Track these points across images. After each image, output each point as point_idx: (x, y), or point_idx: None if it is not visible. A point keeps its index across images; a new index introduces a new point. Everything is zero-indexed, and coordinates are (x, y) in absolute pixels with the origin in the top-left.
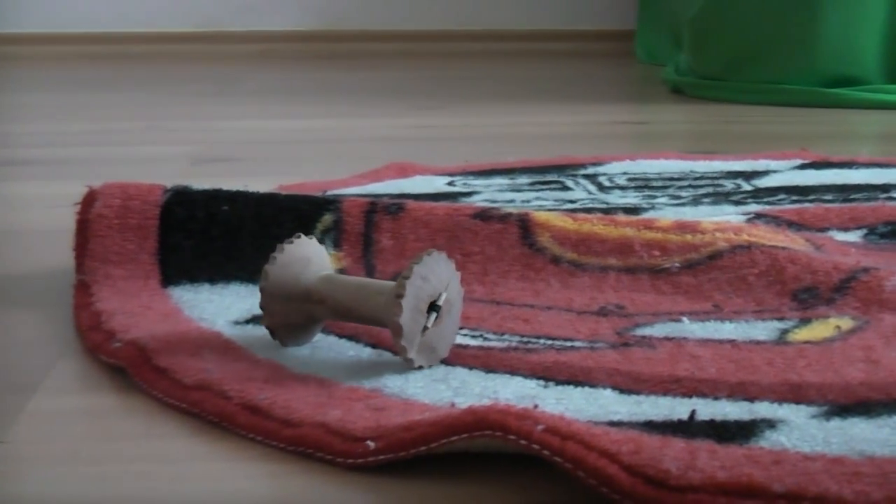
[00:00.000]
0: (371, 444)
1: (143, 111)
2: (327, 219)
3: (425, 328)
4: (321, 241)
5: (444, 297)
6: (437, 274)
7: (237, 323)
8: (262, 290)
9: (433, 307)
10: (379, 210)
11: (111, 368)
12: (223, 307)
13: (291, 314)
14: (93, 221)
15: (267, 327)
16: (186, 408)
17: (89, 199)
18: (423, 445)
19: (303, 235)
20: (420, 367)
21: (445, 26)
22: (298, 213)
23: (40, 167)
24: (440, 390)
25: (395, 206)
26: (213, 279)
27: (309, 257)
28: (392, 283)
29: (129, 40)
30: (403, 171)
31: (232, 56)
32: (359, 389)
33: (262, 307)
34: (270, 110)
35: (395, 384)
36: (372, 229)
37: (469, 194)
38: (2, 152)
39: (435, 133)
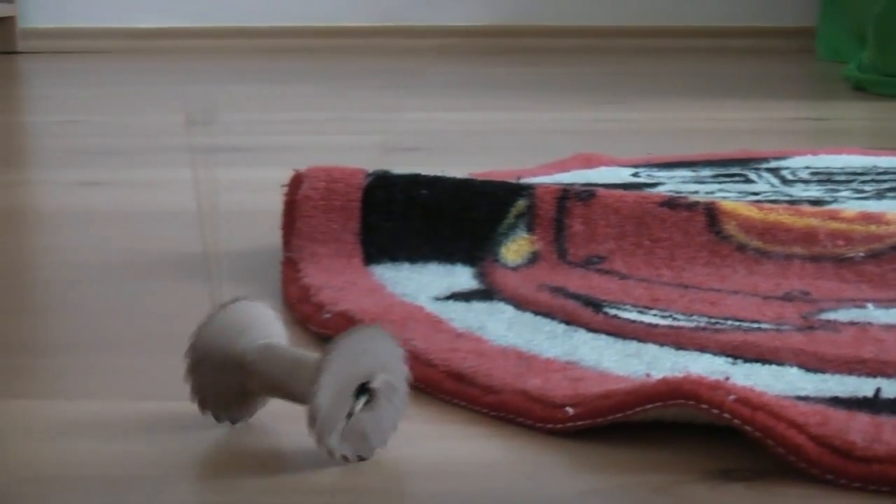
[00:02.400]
0: (570, 410)
1: (332, 102)
2: (521, 204)
3: (350, 414)
4: (514, 226)
5: (379, 379)
6: (372, 352)
7: (437, 299)
8: (189, 360)
9: (364, 390)
10: (571, 196)
11: (318, 337)
12: (423, 285)
13: (224, 385)
14: (300, 203)
15: (194, 396)
16: None
17: (296, 182)
18: (620, 412)
19: (247, 300)
20: (344, 458)
21: (624, 22)
22: (493, 198)
23: (243, 153)
24: (633, 364)
25: (586, 193)
26: (412, 259)
27: (248, 323)
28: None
29: (314, 34)
30: (588, 162)
31: (411, 50)
32: (556, 361)
33: (188, 376)
34: (452, 103)
35: (590, 357)
36: (564, 215)
37: (653, 185)
38: (210, 139)
39: (616, 127)
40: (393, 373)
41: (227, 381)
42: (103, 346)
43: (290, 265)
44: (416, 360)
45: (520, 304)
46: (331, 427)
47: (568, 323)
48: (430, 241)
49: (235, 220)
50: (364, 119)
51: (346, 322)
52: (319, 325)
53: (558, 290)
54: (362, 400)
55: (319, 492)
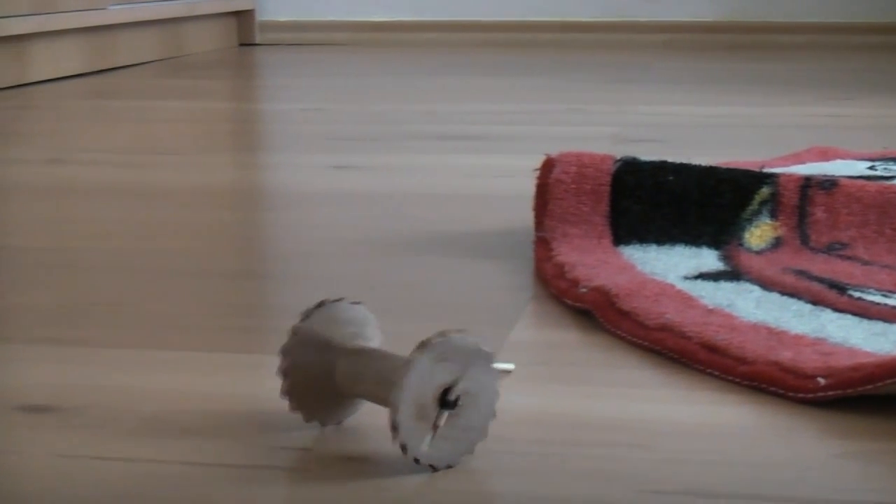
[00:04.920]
0: (821, 380)
1: (563, 94)
2: (765, 191)
3: (436, 426)
4: (758, 213)
5: (460, 387)
6: (453, 359)
7: (686, 278)
8: (283, 357)
9: (446, 400)
10: (813, 185)
11: (572, 311)
12: (671, 265)
13: (316, 387)
14: (552, 186)
15: (284, 395)
16: (648, 345)
17: (548, 166)
18: (870, 384)
19: (347, 299)
20: (431, 467)
21: (852, 19)
22: (738, 185)
23: (485, 142)
24: (880, 342)
25: (828, 182)
26: (659, 241)
27: (340, 326)
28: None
29: (539, 28)
30: (824, 155)
31: (637, 45)
32: (805, 337)
33: (282, 372)
34: (680, 97)
35: (837, 335)
36: (806, 202)
37: (890, 178)
38: (448, 128)
39: (847, 122)
40: (475, 378)
41: (319, 383)
42: None
43: (543, 244)
44: (670, 332)
45: (766, 284)
46: (414, 438)
47: (814, 303)
48: (677, 224)
49: (484, 203)
50: (595, 111)
51: (602, 297)
52: (576, 299)
53: (802, 273)
54: (445, 414)
55: (401, 499)
